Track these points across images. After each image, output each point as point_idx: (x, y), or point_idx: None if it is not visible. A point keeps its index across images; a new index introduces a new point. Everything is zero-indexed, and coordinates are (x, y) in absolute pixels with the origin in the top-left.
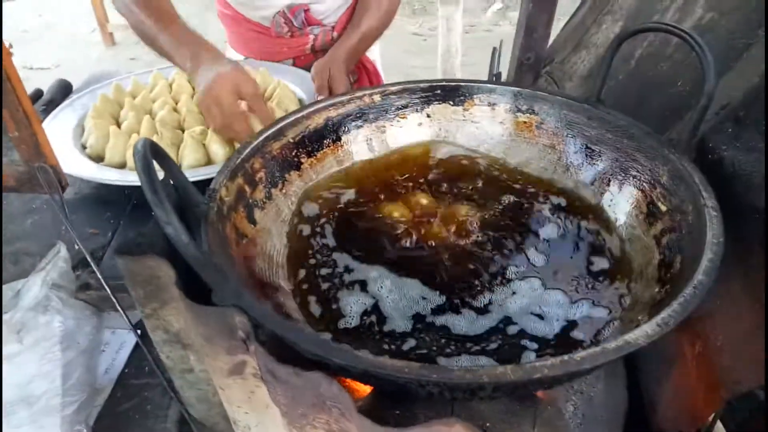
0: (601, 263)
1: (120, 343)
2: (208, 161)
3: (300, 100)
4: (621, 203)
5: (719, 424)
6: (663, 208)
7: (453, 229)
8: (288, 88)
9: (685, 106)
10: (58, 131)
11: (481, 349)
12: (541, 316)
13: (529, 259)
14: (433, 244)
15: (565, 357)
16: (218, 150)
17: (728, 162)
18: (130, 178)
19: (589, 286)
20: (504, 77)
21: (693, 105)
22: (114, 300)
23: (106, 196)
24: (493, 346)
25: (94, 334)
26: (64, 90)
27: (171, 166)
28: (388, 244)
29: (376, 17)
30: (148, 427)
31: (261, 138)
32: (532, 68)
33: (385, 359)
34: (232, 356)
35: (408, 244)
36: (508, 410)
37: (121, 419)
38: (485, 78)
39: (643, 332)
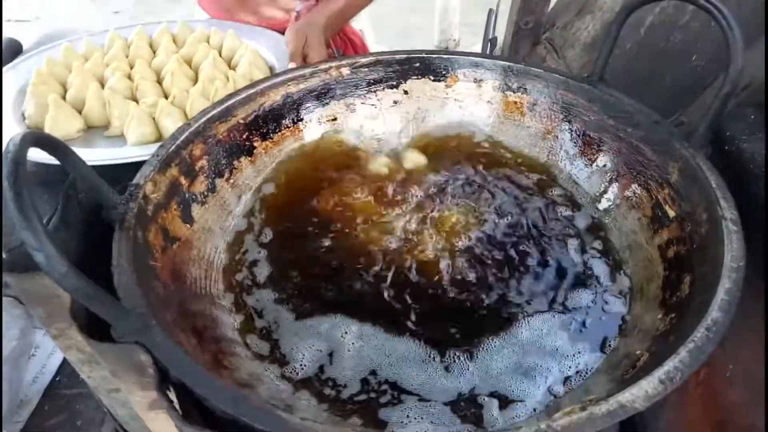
0: (595, 273)
1: (52, 347)
2: (159, 137)
3: (271, 68)
4: (622, 203)
5: None
6: (671, 213)
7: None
8: (258, 54)
9: (699, 84)
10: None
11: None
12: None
13: (521, 288)
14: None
15: (542, 425)
16: (170, 125)
17: (748, 156)
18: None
19: (579, 304)
20: (500, 42)
21: (709, 83)
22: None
23: (44, 176)
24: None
25: (20, 338)
26: (12, 50)
27: (75, 162)
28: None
29: None
30: None
31: (203, 119)
32: (530, 34)
33: (314, 425)
34: (147, 391)
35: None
36: None
37: None
38: (483, 40)
39: (642, 392)
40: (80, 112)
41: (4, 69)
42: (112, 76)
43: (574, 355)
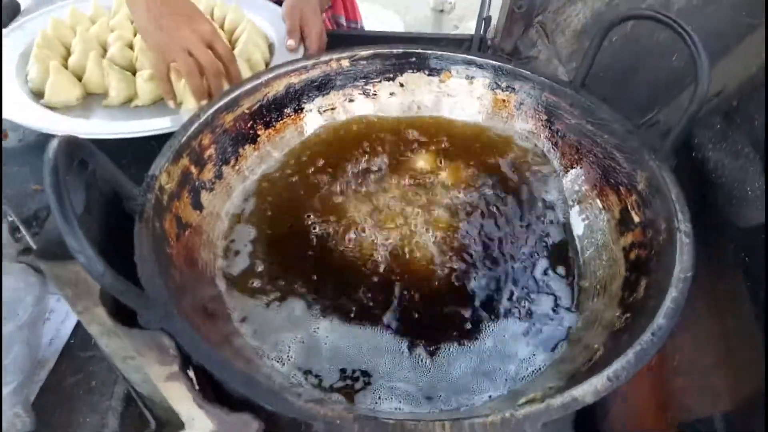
0: (563, 269)
1: (66, 312)
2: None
3: (270, 45)
4: (593, 204)
5: None
6: (636, 219)
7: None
8: (257, 32)
9: (678, 84)
10: (3, 60)
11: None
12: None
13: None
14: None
15: (507, 414)
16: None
17: (712, 165)
18: (78, 128)
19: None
20: (494, 22)
21: (687, 84)
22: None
23: None
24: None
25: (36, 304)
26: (11, 11)
27: (100, 160)
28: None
29: None
30: (93, 404)
31: (212, 110)
32: (523, 17)
33: (316, 407)
34: (166, 366)
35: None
36: None
37: (64, 395)
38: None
39: (592, 388)
40: (80, 79)
41: (9, 29)
42: (113, 45)
43: (529, 358)
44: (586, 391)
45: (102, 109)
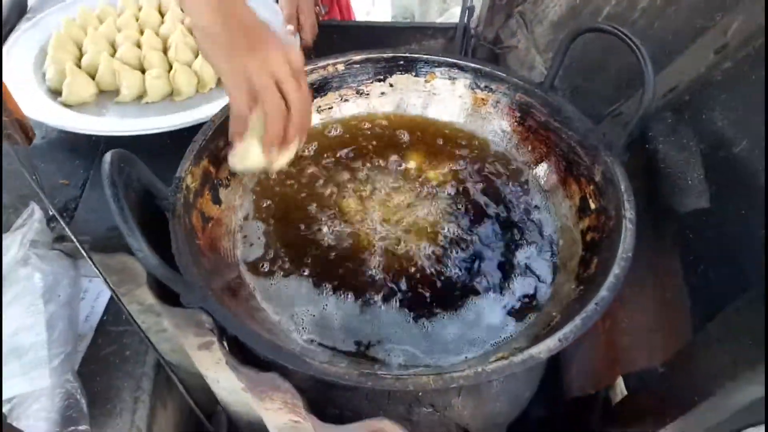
0: (535, 252)
1: (98, 292)
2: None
3: None
4: (558, 192)
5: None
6: (592, 205)
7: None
8: None
9: (640, 80)
10: (19, 59)
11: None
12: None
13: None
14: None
15: (479, 369)
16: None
17: (660, 157)
18: (96, 126)
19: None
20: (477, 12)
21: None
22: (89, 260)
23: (74, 142)
24: None
25: (72, 286)
26: (19, 9)
27: (139, 167)
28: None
29: None
30: (128, 371)
31: (225, 115)
32: (504, 8)
33: (330, 367)
34: (200, 337)
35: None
36: None
37: (102, 364)
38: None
39: (546, 347)
40: (94, 77)
41: (23, 29)
42: (122, 45)
43: (504, 327)
44: (541, 349)
45: (114, 105)
